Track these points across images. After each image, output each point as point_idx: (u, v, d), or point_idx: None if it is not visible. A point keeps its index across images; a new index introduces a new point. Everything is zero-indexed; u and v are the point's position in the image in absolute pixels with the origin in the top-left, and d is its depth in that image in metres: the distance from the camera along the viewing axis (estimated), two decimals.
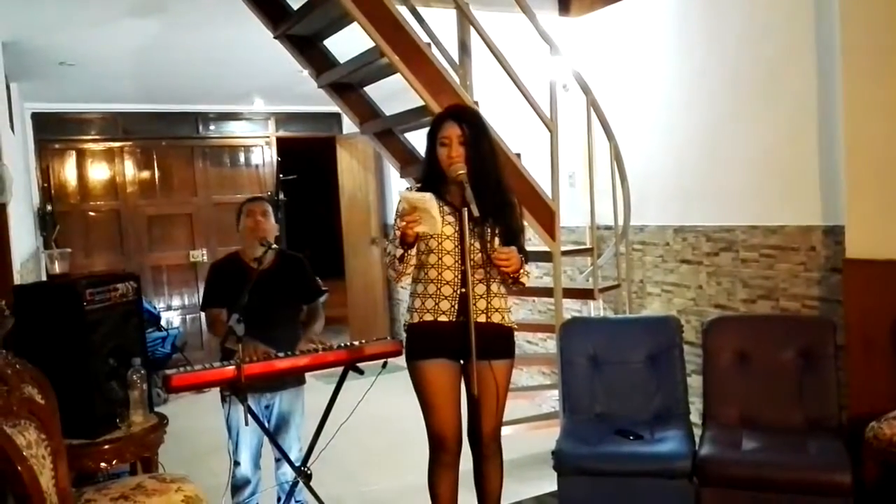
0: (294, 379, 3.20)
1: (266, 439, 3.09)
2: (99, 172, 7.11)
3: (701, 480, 2.76)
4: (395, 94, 3.97)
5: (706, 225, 3.88)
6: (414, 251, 2.51)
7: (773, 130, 3.52)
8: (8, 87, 5.06)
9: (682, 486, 2.77)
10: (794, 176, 3.43)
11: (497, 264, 2.48)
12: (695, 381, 3.43)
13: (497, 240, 2.55)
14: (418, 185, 2.61)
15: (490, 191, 2.53)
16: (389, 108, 4.08)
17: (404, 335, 2.70)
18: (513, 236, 2.58)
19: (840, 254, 3.15)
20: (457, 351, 2.53)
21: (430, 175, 2.59)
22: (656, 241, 4.19)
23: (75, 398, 2.55)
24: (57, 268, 3.02)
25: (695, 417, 3.25)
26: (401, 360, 2.83)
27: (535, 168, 3.75)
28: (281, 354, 2.88)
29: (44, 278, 4.72)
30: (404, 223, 2.40)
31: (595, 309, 4.35)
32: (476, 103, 3.52)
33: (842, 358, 3.03)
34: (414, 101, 3.49)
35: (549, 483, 3.25)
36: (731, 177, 3.73)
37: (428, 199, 2.40)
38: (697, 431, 3.07)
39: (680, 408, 3.16)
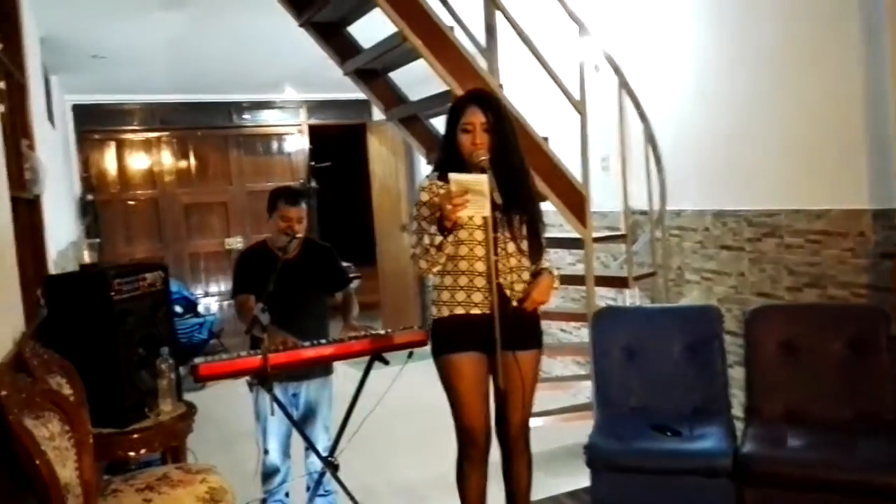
0: (321, 368, 3.18)
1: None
2: (137, 162, 7.23)
3: (742, 479, 2.63)
4: (423, 79, 3.91)
5: (747, 209, 3.72)
6: (451, 238, 2.42)
7: (817, 107, 3.34)
8: (48, 80, 5.13)
9: (723, 484, 2.65)
10: (841, 156, 3.25)
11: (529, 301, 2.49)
12: (736, 374, 3.31)
13: (524, 227, 2.51)
14: (437, 173, 2.54)
15: (516, 179, 2.48)
16: (417, 94, 4.01)
17: (432, 327, 2.62)
18: (538, 225, 2.54)
19: (891, 239, 3.00)
20: (486, 343, 2.45)
21: (448, 160, 2.50)
22: (695, 226, 4.05)
23: (105, 388, 2.57)
24: (87, 258, 3.04)
25: (737, 411, 3.13)
26: (427, 349, 2.77)
27: (565, 152, 3.65)
28: (306, 344, 2.87)
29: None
30: (451, 206, 2.30)
31: (630, 297, 4.24)
32: (501, 86, 3.43)
33: (895, 349, 2.86)
34: (441, 85, 3.42)
35: (583, 477, 3.16)
36: (774, 158, 3.56)
37: (484, 182, 2.32)
38: (739, 426, 2.96)
39: (720, 402, 3.03)
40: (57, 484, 1.74)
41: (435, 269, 2.49)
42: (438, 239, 2.38)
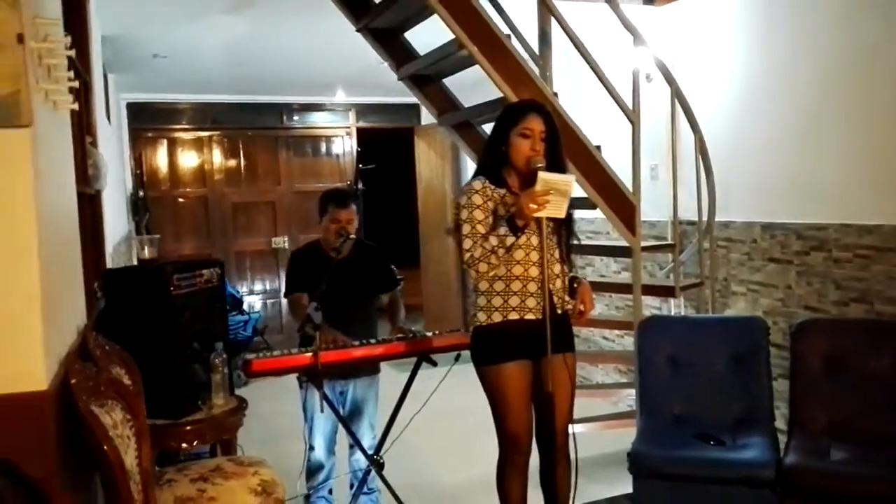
0: (368, 367, 3.23)
1: (340, 425, 3.14)
2: (188, 160, 7.37)
3: (785, 490, 2.63)
4: (474, 83, 3.94)
5: (796, 222, 3.68)
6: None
7: (868, 120, 3.30)
8: (106, 79, 5.30)
9: (765, 495, 2.65)
10: (893, 170, 3.20)
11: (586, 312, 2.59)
12: (781, 386, 3.27)
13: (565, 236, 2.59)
14: (484, 178, 2.56)
15: None
16: (468, 100, 4.05)
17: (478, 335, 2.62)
18: (572, 234, 2.62)
19: None
20: (534, 349, 2.48)
21: (494, 162, 2.56)
22: (743, 237, 4.01)
23: (160, 380, 2.62)
24: (146, 253, 3.13)
25: (780, 424, 3.10)
26: None
27: (616, 160, 3.65)
28: (356, 343, 2.92)
29: (135, 262, 4.95)
30: (535, 205, 2.34)
31: (676, 307, 4.22)
32: (555, 94, 3.45)
33: None
34: (493, 92, 3.45)
35: (624, 484, 3.17)
36: (824, 171, 3.52)
37: (572, 182, 2.36)
38: (782, 439, 2.93)
39: (764, 413, 3.02)
40: (124, 469, 1.80)
41: (492, 273, 2.50)
42: (510, 240, 2.42)
